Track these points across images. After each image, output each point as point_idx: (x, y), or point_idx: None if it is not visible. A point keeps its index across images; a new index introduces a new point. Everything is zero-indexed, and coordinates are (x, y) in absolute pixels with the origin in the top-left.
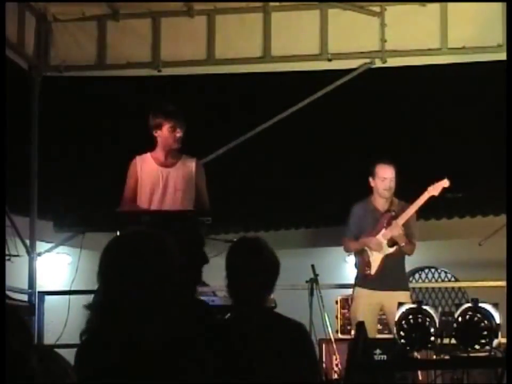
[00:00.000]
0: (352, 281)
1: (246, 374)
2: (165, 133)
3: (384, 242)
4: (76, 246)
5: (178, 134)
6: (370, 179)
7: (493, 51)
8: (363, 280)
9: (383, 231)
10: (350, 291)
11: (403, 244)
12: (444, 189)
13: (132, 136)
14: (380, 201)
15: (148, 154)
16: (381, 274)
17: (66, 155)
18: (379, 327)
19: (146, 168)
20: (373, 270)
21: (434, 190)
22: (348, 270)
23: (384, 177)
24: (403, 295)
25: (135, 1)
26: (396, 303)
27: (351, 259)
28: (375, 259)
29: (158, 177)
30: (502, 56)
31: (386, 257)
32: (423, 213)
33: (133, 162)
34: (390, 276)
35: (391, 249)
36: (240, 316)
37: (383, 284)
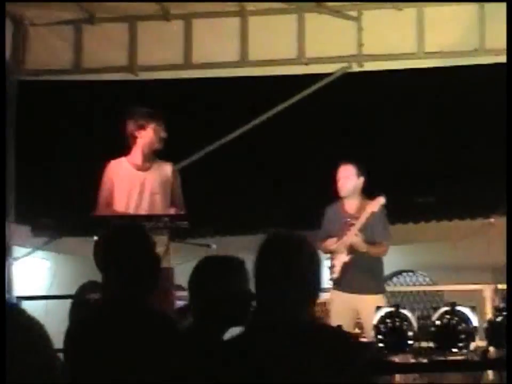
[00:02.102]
0: (323, 285)
1: None
2: (149, 133)
3: (345, 248)
4: (53, 250)
5: (163, 134)
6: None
7: (470, 55)
8: (333, 282)
9: (345, 237)
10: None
11: (363, 249)
12: (382, 206)
13: (108, 141)
14: (346, 203)
15: (123, 159)
16: (344, 279)
17: (44, 159)
18: (357, 331)
19: (122, 172)
20: (335, 274)
21: (373, 207)
22: None
23: (339, 176)
24: (376, 299)
25: (110, 1)
26: (369, 307)
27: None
28: (337, 263)
29: (134, 181)
30: (479, 60)
31: (345, 264)
32: (400, 216)
33: (108, 167)
34: (355, 279)
35: (347, 258)
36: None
37: (350, 287)
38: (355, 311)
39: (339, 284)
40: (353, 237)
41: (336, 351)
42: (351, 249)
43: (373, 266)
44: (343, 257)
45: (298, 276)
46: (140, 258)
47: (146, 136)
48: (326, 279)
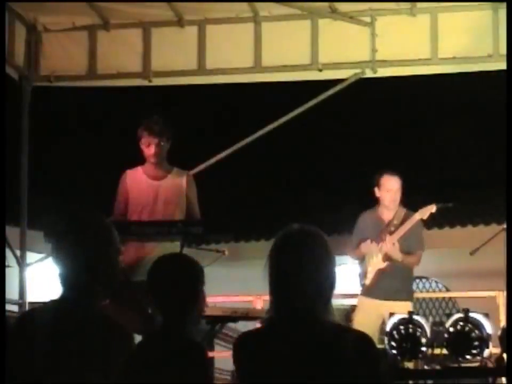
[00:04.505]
0: (342, 291)
1: None
2: (142, 147)
3: (380, 256)
4: None
5: (152, 149)
6: (376, 189)
7: (483, 61)
8: (363, 289)
9: (381, 244)
10: (342, 301)
11: (399, 259)
12: (431, 214)
13: (123, 147)
14: (385, 212)
15: (139, 168)
16: (376, 285)
17: (57, 165)
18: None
19: (136, 182)
20: (368, 281)
21: (423, 214)
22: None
23: (390, 188)
24: (404, 306)
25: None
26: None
27: (342, 269)
28: (371, 270)
29: (148, 191)
30: (492, 66)
31: (380, 270)
32: None
33: (123, 177)
34: (387, 286)
35: (383, 264)
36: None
37: (381, 293)
38: (381, 318)
39: (370, 290)
40: (390, 245)
41: (355, 355)
42: (387, 257)
43: (405, 274)
44: (378, 264)
45: (315, 269)
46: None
47: (144, 148)
48: (355, 285)
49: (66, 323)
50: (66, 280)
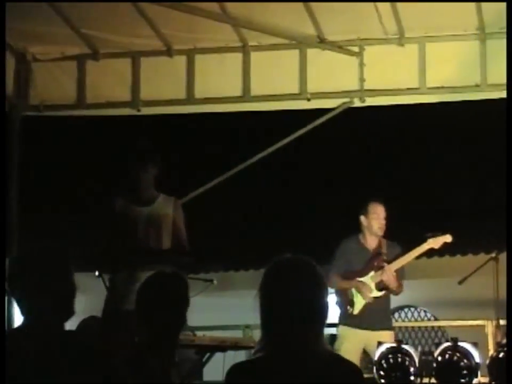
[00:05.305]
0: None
1: None
2: (129, 172)
3: (373, 284)
4: None
5: (139, 174)
6: (362, 217)
7: (471, 91)
8: (346, 318)
9: (372, 273)
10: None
11: (395, 288)
12: (445, 243)
13: (114, 176)
14: (370, 240)
15: (129, 194)
16: (364, 314)
17: (48, 195)
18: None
19: (126, 208)
20: (356, 310)
21: (435, 243)
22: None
23: (378, 214)
24: (387, 335)
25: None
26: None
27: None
28: (360, 299)
29: (136, 217)
30: (480, 95)
31: (375, 299)
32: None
33: (114, 203)
34: (374, 315)
35: (380, 293)
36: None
37: (366, 322)
38: (362, 347)
39: (358, 320)
40: (390, 274)
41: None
42: (384, 286)
43: (386, 303)
44: (373, 293)
45: (306, 299)
46: (57, 284)
47: (131, 173)
48: (336, 314)
49: (32, 347)
50: (23, 308)
